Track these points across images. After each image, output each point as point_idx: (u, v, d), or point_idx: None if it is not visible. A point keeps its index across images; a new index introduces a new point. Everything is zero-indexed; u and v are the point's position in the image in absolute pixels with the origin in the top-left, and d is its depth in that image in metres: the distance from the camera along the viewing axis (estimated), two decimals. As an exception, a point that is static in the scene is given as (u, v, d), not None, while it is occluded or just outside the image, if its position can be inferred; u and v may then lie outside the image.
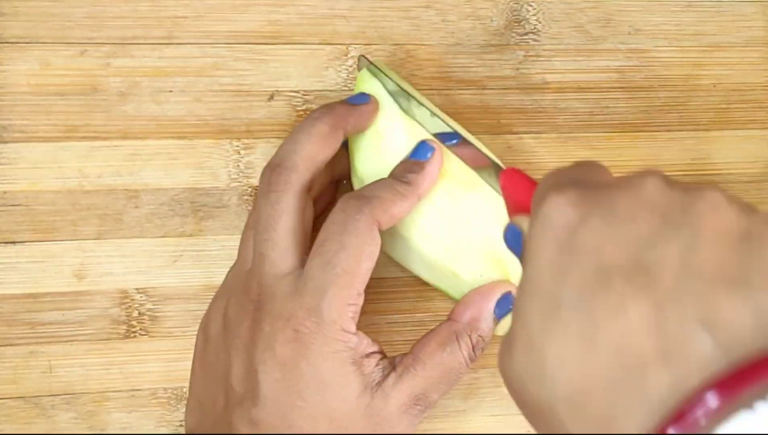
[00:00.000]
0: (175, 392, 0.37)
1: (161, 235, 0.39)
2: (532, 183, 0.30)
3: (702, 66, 0.44)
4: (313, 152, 0.35)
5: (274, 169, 0.34)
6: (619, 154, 0.43)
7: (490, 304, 0.36)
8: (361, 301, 0.33)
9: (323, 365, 0.32)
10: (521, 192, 0.29)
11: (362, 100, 0.37)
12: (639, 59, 0.44)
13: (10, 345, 0.38)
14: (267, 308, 0.33)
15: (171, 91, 0.40)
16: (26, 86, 0.39)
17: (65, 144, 0.39)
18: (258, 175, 0.40)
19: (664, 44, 0.44)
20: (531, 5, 0.43)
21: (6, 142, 0.39)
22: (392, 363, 0.34)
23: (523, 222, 0.27)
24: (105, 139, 0.39)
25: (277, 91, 0.41)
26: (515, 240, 0.28)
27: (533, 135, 0.42)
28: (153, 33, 0.40)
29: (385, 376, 0.33)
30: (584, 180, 0.27)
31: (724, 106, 0.44)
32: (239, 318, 0.34)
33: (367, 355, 0.33)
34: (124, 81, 0.40)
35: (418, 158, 0.36)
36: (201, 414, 0.35)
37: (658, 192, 0.24)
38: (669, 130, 0.43)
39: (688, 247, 0.22)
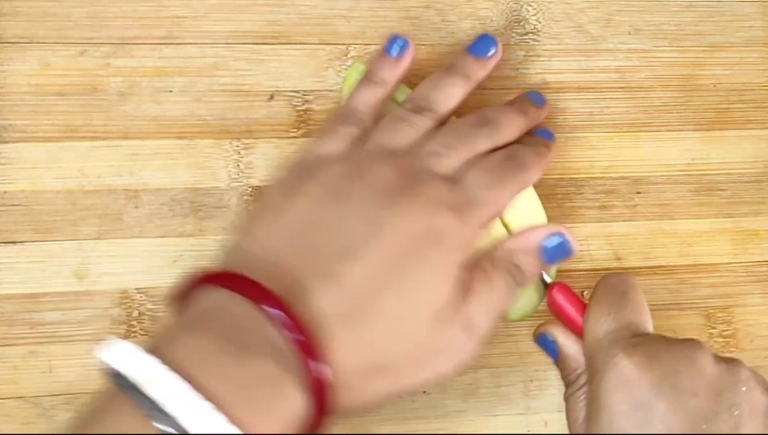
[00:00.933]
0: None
1: (161, 235, 0.39)
2: (580, 304, 0.35)
3: (702, 66, 0.44)
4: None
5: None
6: (619, 154, 0.43)
7: (536, 240, 0.34)
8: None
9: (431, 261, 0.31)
10: (569, 311, 0.35)
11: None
12: (639, 59, 0.44)
13: (10, 345, 0.38)
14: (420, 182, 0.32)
15: (171, 91, 0.40)
16: (26, 86, 0.39)
17: (65, 144, 0.39)
18: (258, 175, 0.40)
19: (664, 44, 0.44)
20: (531, 5, 0.43)
21: (6, 142, 0.39)
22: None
23: (558, 335, 0.35)
24: (105, 139, 0.39)
25: (277, 91, 0.41)
26: (546, 344, 0.36)
27: (533, 135, 0.42)
28: (153, 33, 0.40)
29: (466, 289, 0.32)
30: (637, 326, 0.34)
31: (724, 106, 0.44)
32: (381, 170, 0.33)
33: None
34: (124, 81, 0.40)
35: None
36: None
37: (709, 368, 0.32)
38: (669, 130, 0.43)
39: (736, 425, 0.31)
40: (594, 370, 0.33)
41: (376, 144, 0.34)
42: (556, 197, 0.42)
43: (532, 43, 0.43)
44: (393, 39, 0.37)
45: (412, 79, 0.41)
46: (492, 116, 0.36)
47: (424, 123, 0.35)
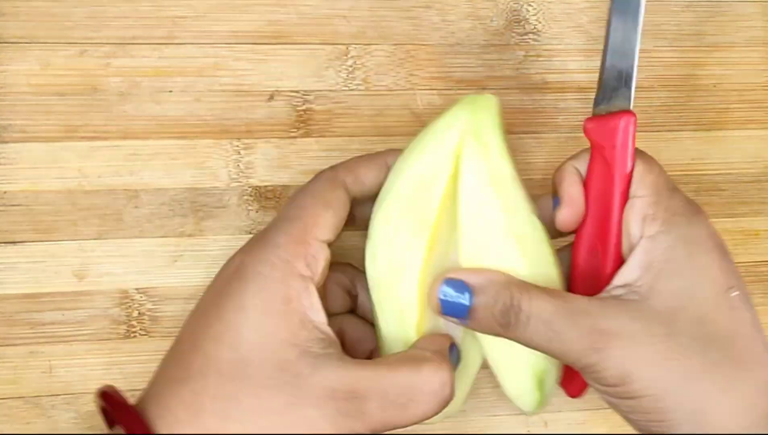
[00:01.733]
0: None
1: (161, 235, 0.39)
2: None
3: (702, 66, 0.44)
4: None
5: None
6: (619, 154, 0.43)
7: (446, 346, 0.33)
8: (320, 249, 0.31)
9: (249, 285, 0.30)
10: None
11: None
12: (639, 59, 0.44)
13: (10, 345, 0.38)
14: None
15: (171, 91, 0.40)
16: (26, 86, 0.39)
17: (65, 144, 0.39)
18: (258, 175, 0.40)
19: (664, 44, 0.44)
20: (531, 5, 0.43)
21: (6, 142, 0.39)
22: (342, 355, 0.30)
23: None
24: (105, 139, 0.39)
25: (277, 91, 0.41)
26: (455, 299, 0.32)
27: (533, 135, 0.42)
28: (153, 33, 0.40)
29: (323, 351, 0.30)
30: None
31: (724, 106, 0.44)
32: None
33: (313, 326, 0.30)
34: (124, 81, 0.40)
35: None
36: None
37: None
38: (669, 130, 0.43)
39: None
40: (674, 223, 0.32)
41: None
42: (556, 197, 0.42)
43: (532, 43, 0.43)
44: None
45: (411, 80, 0.41)
46: None
47: None
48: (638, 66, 0.43)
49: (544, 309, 0.30)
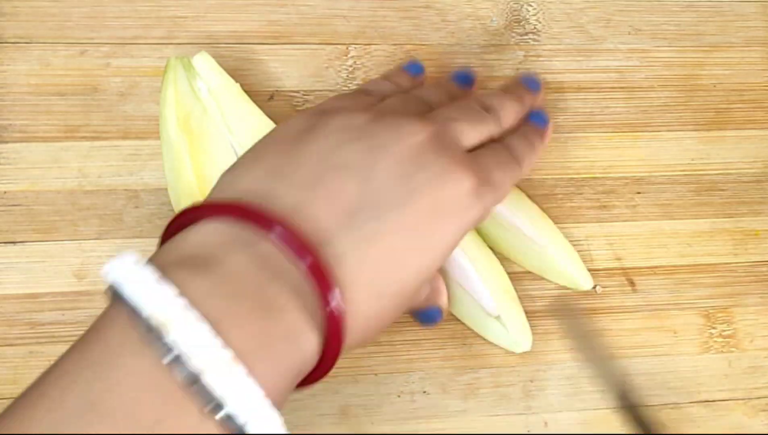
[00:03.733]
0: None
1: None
2: None
3: (702, 66, 0.44)
4: None
5: None
6: (619, 154, 0.43)
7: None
8: None
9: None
10: None
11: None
12: (639, 59, 0.44)
13: (10, 345, 0.38)
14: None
15: (171, 91, 0.40)
16: (26, 86, 0.39)
17: (65, 144, 0.39)
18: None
19: (664, 44, 0.44)
20: (531, 5, 0.43)
21: (6, 142, 0.39)
22: None
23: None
24: (105, 139, 0.39)
25: (277, 91, 0.41)
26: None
27: (533, 135, 0.42)
28: (153, 33, 0.40)
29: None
30: None
31: (724, 106, 0.44)
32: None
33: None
34: (124, 81, 0.40)
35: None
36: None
37: None
38: (669, 130, 0.43)
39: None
40: None
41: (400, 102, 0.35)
42: (556, 197, 0.42)
43: (532, 43, 0.43)
44: (411, 62, 0.39)
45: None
46: (493, 103, 0.35)
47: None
48: (638, 66, 0.43)
49: None
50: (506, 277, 0.39)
